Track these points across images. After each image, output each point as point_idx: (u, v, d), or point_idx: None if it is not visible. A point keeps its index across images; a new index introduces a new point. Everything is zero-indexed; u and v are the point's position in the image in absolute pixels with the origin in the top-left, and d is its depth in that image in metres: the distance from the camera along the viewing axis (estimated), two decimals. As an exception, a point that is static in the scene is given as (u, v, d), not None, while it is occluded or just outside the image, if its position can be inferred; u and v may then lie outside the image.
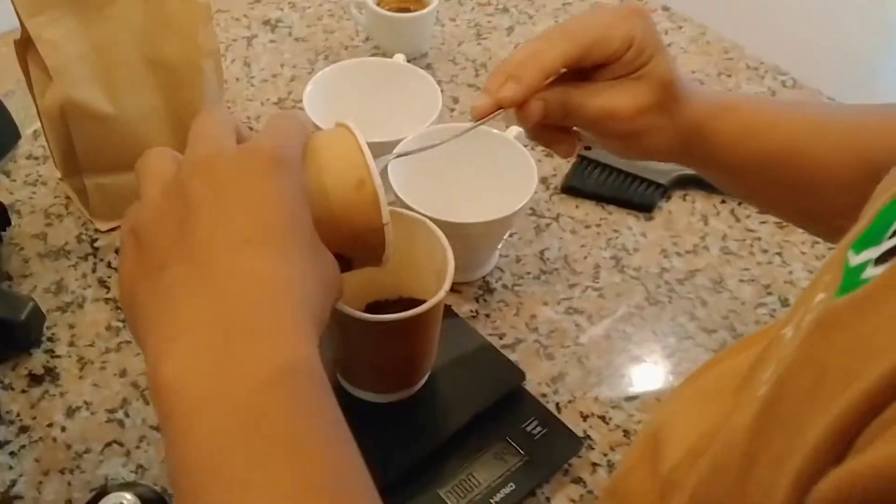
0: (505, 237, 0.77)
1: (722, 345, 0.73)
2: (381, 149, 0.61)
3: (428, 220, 0.62)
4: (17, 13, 0.68)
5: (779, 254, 0.80)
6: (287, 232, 0.38)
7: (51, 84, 0.70)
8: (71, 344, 0.70)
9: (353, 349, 0.61)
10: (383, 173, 0.48)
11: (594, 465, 0.64)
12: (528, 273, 0.77)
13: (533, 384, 0.68)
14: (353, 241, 0.45)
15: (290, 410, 0.34)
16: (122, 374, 0.68)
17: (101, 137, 0.73)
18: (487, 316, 0.74)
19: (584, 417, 0.67)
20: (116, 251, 0.77)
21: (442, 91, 0.83)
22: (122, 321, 0.72)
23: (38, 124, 0.80)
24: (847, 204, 0.37)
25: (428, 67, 0.98)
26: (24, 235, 0.78)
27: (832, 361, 0.27)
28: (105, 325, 0.71)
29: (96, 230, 0.79)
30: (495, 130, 0.74)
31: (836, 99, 0.96)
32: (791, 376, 0.29)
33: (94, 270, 0.76)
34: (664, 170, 0.84)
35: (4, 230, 0.75)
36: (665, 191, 0.84)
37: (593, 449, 0.65)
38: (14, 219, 0.78)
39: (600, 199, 0.84)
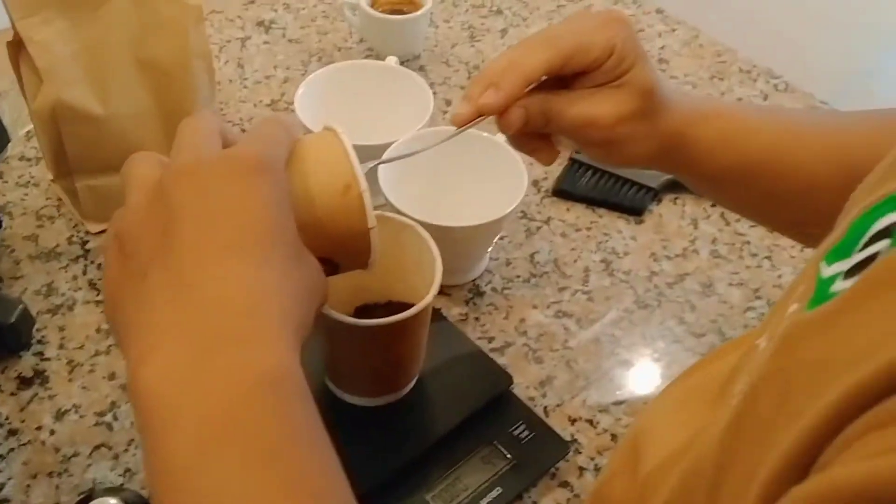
0: (495, 240, 0.77)
1: (711, 349, 0.73)
2: (371, 152, 0.61)
3: (416, 224, 0.62)
4: (9, 14, 0.68)
5: (768, 258, 0.80)
6: (268, 238, 0.38)
7: (42, 85, 0.70)
8: (61, 346, 0.70)
9: (341, 353, 0.62)
10: (372, 177, 0.48)
11: (581, 469, 0.64)
12: (518, 276, 0.77)
13: (521, 388, 0.68)
14: (339, 246, 0.45)
15: (268, 419, 0.34)
16: (112, 377, 0.68)
17: (92, 139, 0.73)
18: (477, 319, 0.74)
19: (572, 421, 0.67)
20: (107, 253, 0.77)
21: (435, 93, 0.83)
22: (112, 323, 0.72)
23: (31, 126, 0.80)
24: (828, 213, 0.37)
25: (421, 69, 0.98)
26: (16, 237, 0.78)
27: (798, 376, 0.27)
28: (95, 327, 0.72)
29: (87, 232, 0.79)
30: (486, 134, 0.74)
31: (828, 103, 0.97)
32: (760, 389, 0.29)
33: (84, 273, 0.76)
34: (655, 174, 0.84)
35: (-4, 232, 0.76)
36: (655, 194, 0.84)
37: (580, 453, 0.65)
38: (6, 220, 0.78)
39: (591, 202, 0.84)
